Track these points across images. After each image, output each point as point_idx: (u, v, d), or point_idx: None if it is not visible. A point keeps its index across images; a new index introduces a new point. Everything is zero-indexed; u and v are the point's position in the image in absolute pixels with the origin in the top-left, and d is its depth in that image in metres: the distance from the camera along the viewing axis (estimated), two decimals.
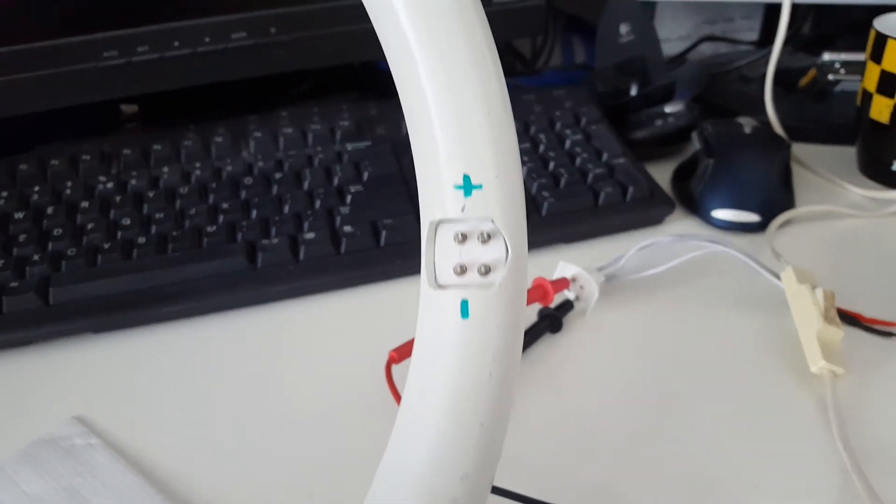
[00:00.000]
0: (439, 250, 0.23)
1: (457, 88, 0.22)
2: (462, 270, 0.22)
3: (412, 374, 0.24)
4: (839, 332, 0.37)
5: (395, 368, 0.35)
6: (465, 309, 0.22)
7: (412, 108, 0.23)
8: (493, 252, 0.22)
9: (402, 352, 0.35)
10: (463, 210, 0.22)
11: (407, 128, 0.23)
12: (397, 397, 0.33)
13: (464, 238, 0.22)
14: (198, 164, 0.49)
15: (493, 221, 0.22)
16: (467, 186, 0.22)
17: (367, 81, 0.69)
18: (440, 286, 0.23)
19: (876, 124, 0.52)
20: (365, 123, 0.54)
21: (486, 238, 0.22)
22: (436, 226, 0.23)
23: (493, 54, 0.22)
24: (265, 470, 0.34)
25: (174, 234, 0.44)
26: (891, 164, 0.52)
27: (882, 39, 0.50)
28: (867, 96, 0.52)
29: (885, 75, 0.50)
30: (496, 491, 0.30)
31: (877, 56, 0.50)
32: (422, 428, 0.23)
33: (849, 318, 0.40)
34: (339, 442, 0.35)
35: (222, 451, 0.35)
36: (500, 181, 0.22)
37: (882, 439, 0.34)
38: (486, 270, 0.22)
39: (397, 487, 0.23)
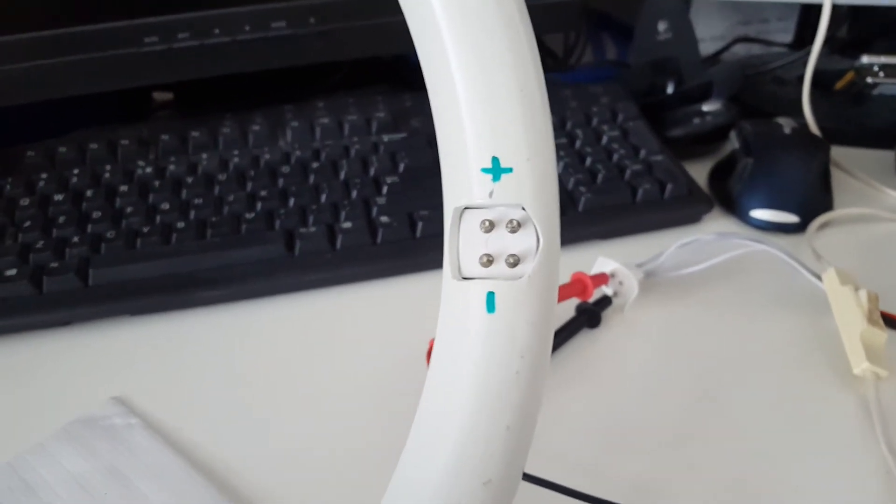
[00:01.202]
0: (464, 239, 0.21)
1: (487, 63, 0.20)
2: (489, 261, 0.21)
3: (432, 371, 0.22)
4: (883, 335, 0.36)
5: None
6: (490, 302, 0.20)
7: (437, 84, 0.21)
8: (522, 242, 0.21)
9: None
10: (491, 196, 0.20)
11: (431, 108, 0.21)
12: None
13: (491, 226, 0.21)
14: (236, 152, 0.49)
15: (523, 209, 0.20)
16: (496, 170, 0.20)
17: (399, 74, 0.69)
18: (464, 278, 0.21)
19: None
20: (400, 115, 0.54)
21: (516, 226, 0.20)
22: (461, 212, 0.21)
23: (528, 30, 0.20)
24: (300, 453, 0.34)
25: (213, 219, 0.44)
26: None
27: None
28: None
29: None
30: (534, 480, 0.30)
31: None
32: (442, 430, 0.21)
33: (890, 322, 0.40)
34: (374, 429, 0.35)
35: (258, 434, 0.35)
36: (532, 165, 0.20)
37: None
38: (515, 262, 0.20)
39: (415, 492, 0.21)
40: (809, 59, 0.57)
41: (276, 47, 0.52)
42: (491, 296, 0.20)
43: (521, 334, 0.20)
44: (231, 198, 0.46)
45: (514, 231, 0.20)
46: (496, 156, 0.20)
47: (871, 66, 0.61)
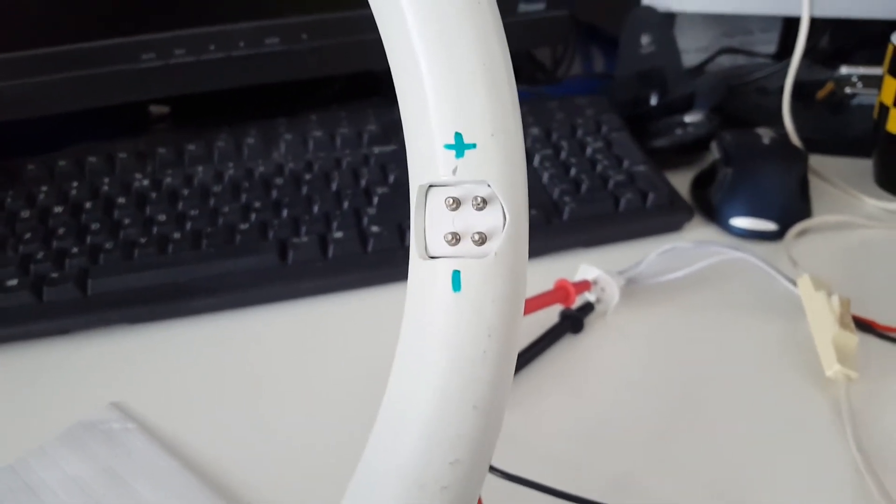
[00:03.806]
0: (429, 217, 0.21)
1: (449, 37, 0.19)
2: (455, 239, 0.20)
3: (399, 353, 0.22)
4: (854, 338, 0.38)
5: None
6: (457, 281, 0.20)
7: (399, 61, 0.20)
8: (488, 219, 0.20)
9: None
10: (455, 172, 0.20)
11: (395, 87, 0.21)
12: None
13: (457, 204, 0.20)
14: (230, 164, 0.51)
15: (489, 185, 0.20)
16: (459, 146, 0.20)
17: (389, 88, 0.70)
18: (430, 256, 0.21)
19: (892, 137, 0.53)
20: (391, 128, 0.55)
21: (482, 204, 0.20)
22: (425, 190, 0.21)
23: (492, 5, 0.20)
24: (295, 456, 0.35)
25: (208, 230, 0.46)
26: None
27: None
28: (884, 110, 0.53)
29: None
30: (516, 479, 0.31)
31: (894, 70, 0.51)
32: (409, 410, 0.21)
33: (863, 326, 0.41)
34: (366, 435, 0.36)
35: (253, 438, 0.36)
36: (497, 140, 0.20)
37: (891, 442, 0.35)
38: (482, 239, 0.20)
39: (382, 472, 0.21)
40: (788, 70, 0.58)
41: (270, 63, 0.54)
42: (457, 274, 0.20)
43: (488, 313, 0.20)
44: (226, 209, 0.47)
45: (480, 209, 0.20)
46: (459, 131, 0.20)
47: (849, 76, 0.63)
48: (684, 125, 0.57)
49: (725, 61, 0.75)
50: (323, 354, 0.41)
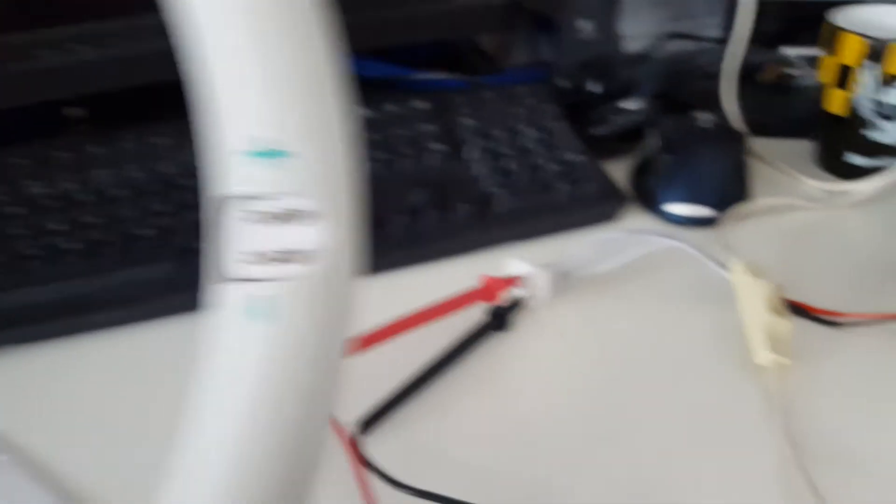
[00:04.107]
0: (228, 234, 0.18)
1: (256, 27, 0.17)
2: (258, 260, 0.17)
3: (196, 394, 0.19)
4: (787, 324, 0.36)
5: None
6: (255, 308, 0.17)
7: (198, 60, 0.17)
8: (299, 236, 0.17)
9: (368, 340, 0.34)
10: (256, 182, 0.17)
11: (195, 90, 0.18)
12: None
13: (261, 218, 0.17)
14: (135, 167, 0.48)
15: (302, 197, 0.17)
16: (265, 152, 0.17)
17: None
18: (227, 279, 0.17)
19: (832, 117, 0.51)
20: None
21: (292, 218, 0.17)
22: (222, 203, 0.17)
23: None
24: None
25: (106, 238, 0.43)
26: (846, 157, 0.52)
27: (836, 32, 0.49)
28: (824, 89, 0.51)
29: (841, 68, 0.49)
30: (421, 494, 0.29)
31: (832, 49, 0.50)
32: (206, 455, 0.18)
33: (798, 310, 0.39)
34: None
35: (147, 469, 0.34)
36: (309, 147, 0.17)
37: (826, 429, 0.33)
38: (290, 259, 0.17)
39: None
40: (727, 53, 0.57)
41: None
42: (256, 301, 0.17)
43: (293, 345, 0.17)
44: (127, 214, 0.44)
45: (290, 224, 0.18)
46: (260, 136, 0.17)
47: (791, 57, 0.61)
48: (624, 112, 0.56)
49: (671, 47, 0.73)
50: None
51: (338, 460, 0.31)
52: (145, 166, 0.48)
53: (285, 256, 0.17)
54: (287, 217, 0.17)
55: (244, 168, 0.17)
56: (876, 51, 0.47)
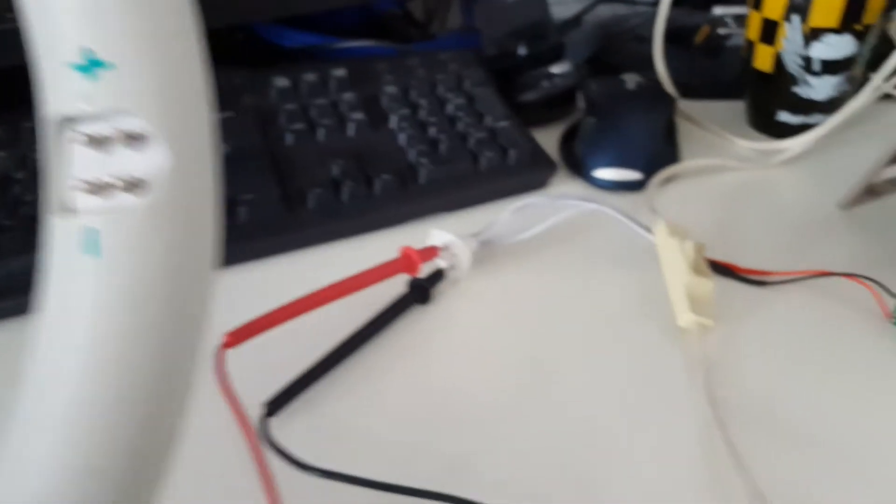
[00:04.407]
0: (62, 160, 0.16)
1: None
2: (95, 188, 0.16)
3: (36, 338, 0.17)
4: (709, 284, 0.35)
5: (230, 355, 0.32)
6: (93, 242, 0.16)
7: None
8: (143, 161, 0.16)
9: (239, 335, 0.32)
10: (90, 101, 0.15)
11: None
12: (227, 390, 0.30)
13: (97, 142, 0.16)
14: (36, 148, 0.45)
15: (136, 117, 0.16)
16: (92, 65, 0.15)
17: (249, 51, 0.65)
18: (65, 211, 0.16)
19: (760, 74, 0.50)
20: (230, 94, 0.51)
21: (133, 141, 0.16)
22: (52, 124, 0.16)
23: None
24: None
25: (6, 223, 0.40)
26: (776, 115, 0.51)
27: None
28: (751, 46, 0.50)
29: (766, 23, 0.48)
30: (328, 475, 0.28)
31: (757, 3, 0.49)
32: (44, 407, 0.16)
33: (724, 270, 0.39)
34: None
35: None
36: (147, 59, 0.15)
37: (748, 389, 0.33)
38: (131, 187, 0.16)
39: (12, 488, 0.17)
40: (659, 12, 0.55)
41: None
42: (93, 234, 0.16)
43: (137, 285, 0.16)
44: (28, 198, 0.42)
45: (132, 147, 0.16)
46: (91, 47, 0.15)
47: (722, 17, 0.60)
48: (551, 77, 0.54)
49: (605, 11, 0.72)
50: None
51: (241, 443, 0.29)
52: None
53: (128, 184, 0.16)
54: (120, 140, 0.16)
55: (71, 83, 0.15)
56: (799, 4, 0.46)
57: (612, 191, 0.46)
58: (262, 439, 0.30)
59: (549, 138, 0.52)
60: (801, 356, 0.35)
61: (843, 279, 0.37)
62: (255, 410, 0.31)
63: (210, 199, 0.17)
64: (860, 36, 0.47)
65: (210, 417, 0.32)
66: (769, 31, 0.48)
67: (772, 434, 0.31)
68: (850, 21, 0.46)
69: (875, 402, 0.32)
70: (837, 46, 0.47)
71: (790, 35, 0.47)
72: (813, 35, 0.47)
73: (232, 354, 0.31)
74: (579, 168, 0.48)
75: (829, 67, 0.48)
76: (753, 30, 0.50)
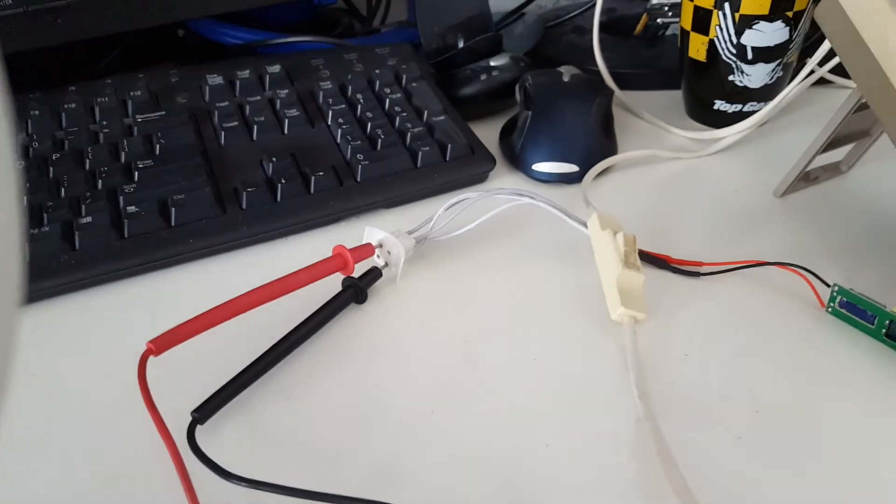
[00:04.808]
0: None
1: None
2: None
3: None
4: (640, 277, 0.35)
5: (152, 363, 0.31)
6: None
7: None
8: None
9: (163, 342, 0.31)
10: None
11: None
12: (149, 399, 0.29)
13: None
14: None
15: None
16: None
17: (189, 48, 0.64)
18: None
19: (695, 63, 0.51)
20: (163, 92, 0.49)
21: None
22: None
23: None
24: (33, 485, 0.30)
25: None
26: (712, 104, 0.51)
27: None
28: (685, 35, 0.51)
29: (697, 11, 0.49)
30: (251, 483, 0.27)
31: None
32: None
33: (657, 261, 0.39)
34: (123, 455, 0.31)
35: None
36: None
37: (678, 383, 0.33)
38: None
39: None
40: (596, 4, 0.55)
41: (7, 29, 0.47)
42: None
43: None
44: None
45: None
46: None
47: (661, 6, 0.61)
48: (489, 70, 0.54)
49: (548, 2, 0.72)
50: (65, 363, 0.35)
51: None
52: None
53: None
54: None
55: None
56: None
57: (551, 183, 0.46)
58: (190, 448, 0.29)
59: (488, 132, 0.51)
60: (735, 348, 0.34)
61: (777, 269, 0.37)
62: (186, 418, 0.30)
63: (12, 234, 0.15)
64: (791, 23, 0.47)
65: (139, 427, 0.31)
66: (702, 20, 0.49)
67: (703, 428, 0.31)
68: (781, 8, 0.47)
69: (811, 392, 0.32)
70: (769, 34, 0.48)
71: (722, 23, 0.48)
72: (744, 23, 0.47)
73: (163, 360, 0.31)
74: (518, 162, 0.48)
75: (763, 55, 0.48)
76: (686, 19, 0.50)
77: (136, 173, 0.43)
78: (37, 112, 0.46)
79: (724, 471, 0.29)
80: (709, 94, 0.51)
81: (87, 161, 0.44)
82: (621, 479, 0.29)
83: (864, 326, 0.34)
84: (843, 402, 0.32)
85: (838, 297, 0.35)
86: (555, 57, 0.60)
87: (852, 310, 0.34)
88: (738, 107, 0.51)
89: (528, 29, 0.65)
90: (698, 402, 0.32)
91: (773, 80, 0.50)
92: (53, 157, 0.44)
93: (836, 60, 0.45)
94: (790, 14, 0.47)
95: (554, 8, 0.71)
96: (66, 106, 0.47)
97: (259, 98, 0.50)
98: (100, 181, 0.43)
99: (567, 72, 0.49)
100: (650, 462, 0.29)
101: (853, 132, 0.43)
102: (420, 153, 0.46)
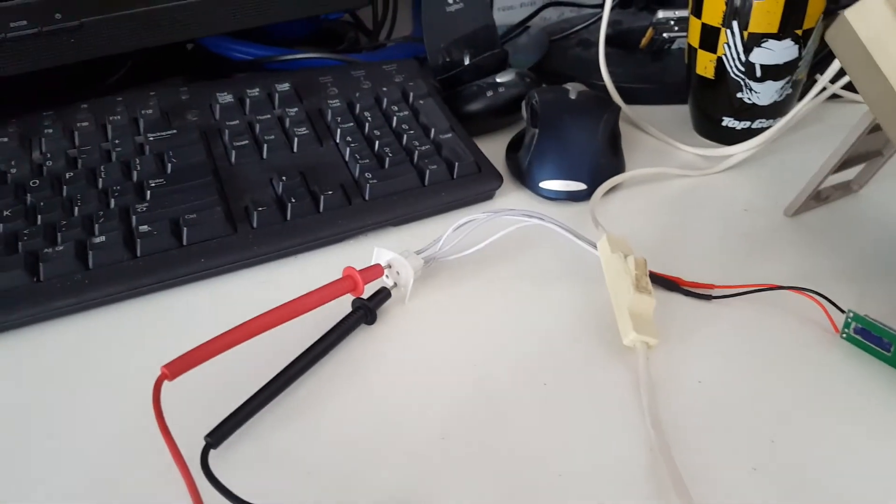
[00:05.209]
0: None
1: None
2: None
3: None
4: (651, 301, 0.35)
5: (167, 387, 0.31)
6: None
7: None
8: None
9: (177, 367, 0.31)
10: None
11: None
12: (163, 424, 0.29)
13: None
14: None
15: None
16: None
17: (198, 63, 0.64)
18: None
19: (703, 80, 0.51)
20: (175, 110, 0.50)
21: None
22: None
23: None
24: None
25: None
26: (721, 121, 0.51)
27: None
28: (692, 52, 0.51)
29: (705, 29, 0.49)
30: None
31: (697, 10, 0.49)
32: None
33: (669, 283, 0.39)
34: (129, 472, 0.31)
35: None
36: None
37: (692, 411, 0.33)
38: None
39: None
40: (602, 17, 0.56)
41: (21, 49, 0.47)
42: None
43: None
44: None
45: None
46: None
47: (667, 20, 0.61)
48: (496, 86, 0.54)
49: (553, 15, 0.72)
50: (80, 380, 0.36)
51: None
52: None
53: None
54: None
55: None
56: (737, 9, 0.47)
57: (559, 201, 0.46)
58: (203, 473, 0.29)
59: (495, 147, 0.52)
60: (749, 375, 0.34)
61: (790, 292, 0.37)
62: (199, 441, 0.30)
63: None
64: (801, 40, 0.47)
65: (152, 452, 0.31)
66: (710, 38, 0.49)
67: (718, 458, 0.31)
68: (790, 26, 0.47)
69: (826, 421, 0.32)
70: (778, 52, 0.48)
71: (730, 41, 0.48)
72: (753, 41, 0.47)
73: (176, 382, 0.31)
74: (525, 179, 0.48)
75: (772, 73, 0.48)
76: (694, 36, 0.50)
77: (149, 192, 0.43)
78: (50, 130, 0.47)
79: (738, 502, 0.29)
80: (717, 110, 0.51)
81: (100, 180, 0.44)
82: None
83: (880, 353, 0.34)
84: (859, 430, 0.32)
85: (853, 324, 0.35)
86: (560, 71, 0.60)
87: (867, 336, 0.34)
88: (747, 123, 0.51)
89: (532, 42, 0.65)
90: (712, 431, 0.32)
91: (783, 97, 0.50)
92: (67, 176, 0.44)
93: (847, 78, 0.45)
94: (799, 32, 0.47)
95: (558, 21, 0.71)
96: (78, 124, 0.47)
97: (269, 116, 0.50)
98: (112, 200, 0.43)
99: (574, 89, 0.49)
100: (665, 494, 0.29)
101: (865, 152, 0.43)
102: (427, 171, 0.46)
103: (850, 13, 0.36)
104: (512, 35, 0.66)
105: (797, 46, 0.48)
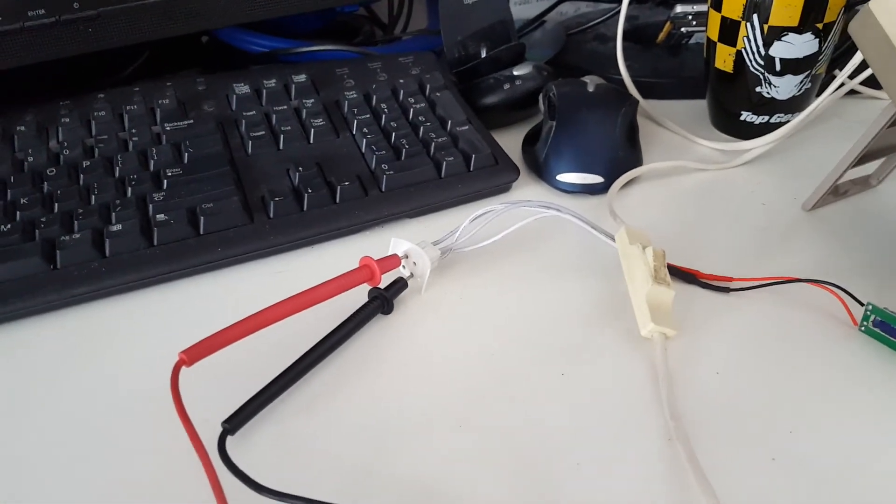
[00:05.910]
0: None
1: None
2: None
3: None
4: (669, 293, 0.35)
5: (185, 374, 0.31)
6: None
7: None
8: None
9: (195, 352, 0.31)
10: None
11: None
12: (181, 409, 0.29)
13: None
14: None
15: None
16: None
17: (213, 55, 0.65)
18: None
19: (721, 74, 0.50)
20: (191, 100, 0.50)
21: None
22: None
23: None
24: (63, 489, 0.30)
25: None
26: (739, 115, 0.51)
27: None
28: (711, 46, 0.50)
29: (725, 22, 0.48)
30: (280, 496, 0.27)
31: (717, 3, 0.49)
32: None
33: (687, 276, 0.38)
34: (147, 455, 0.31)
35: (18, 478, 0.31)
36: None
37: (710, 402, 0.32)
38: None
39: None
40: (620, 11, 0.55)
41: (39, 39, 0.47)
42: None
43: None
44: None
45: None
46: None
47: (684, 15, 0.60)
48: (513, 79, 0.54)
49: (569, 9, 0.72)
50: (98, 367, 0.36)
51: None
52: (6, 157, 0.44)
53: None
54: None
55: None
56: (758, 3, 0.46)
57: (576, 194, 0.46)
58: (221, 459, 0.29)
59: (512, 140, 0.51)
60: (767, 366, 0.34)
61: (808, 285, 0.37)
62: (216, 428, 0.30)
63: None
64: (821, 34, 0.47)
65: (170, 438, 0.31)
66: (729, 31, 0.48)
67: (736, 448, 0.30)
68: (811, 20, 0.46)
69: (844, 413, 0.32)
70: (798, 45, 0.47)
71: (750, 35, 0.47)
72: (773, 34, 0.47)
73: (194, 369, 0.31)
74: (542, 172, 0.48)
75: (791, 67, 0.48)
76: (713, 30, 0.50)
77: (165, 181, 0.43)
78: (67, 119, 0.47)
79: (760, 493, 0.29)
80: (735, 104, 0.51)
81: (117, 168, 0.44)
82: (653, 499, 0.29)
83: None
84: (877, 422, 0.31)
85: (872, 317, 0.34)
86: (577, 65, 0.60)
87: (886, 329, 0.34)
88: (765, 118, 0.51)
89: (548, 37, 0.65)
90: (731, 421, 0.32)
91: (802, 91, 0.49)
92: (84, 165, 0.44)
93: (867, 73, 0.45)
94: (820, 26, 0.46)
95: (575, 15, 0.71)
96: (95, 113, 0.47)
97: (285, 107, 0.50)
98: (129, 189, 0.43)
99: (591, 81, 0.49)
100: (684, 484, 0.29)
101: (885, 146, 0.43)
102: (444, 163, 0.46)
103: (874, 5, 0.35)
104: (528, 29, 0.65)
105: (817, 40, 0.47)
